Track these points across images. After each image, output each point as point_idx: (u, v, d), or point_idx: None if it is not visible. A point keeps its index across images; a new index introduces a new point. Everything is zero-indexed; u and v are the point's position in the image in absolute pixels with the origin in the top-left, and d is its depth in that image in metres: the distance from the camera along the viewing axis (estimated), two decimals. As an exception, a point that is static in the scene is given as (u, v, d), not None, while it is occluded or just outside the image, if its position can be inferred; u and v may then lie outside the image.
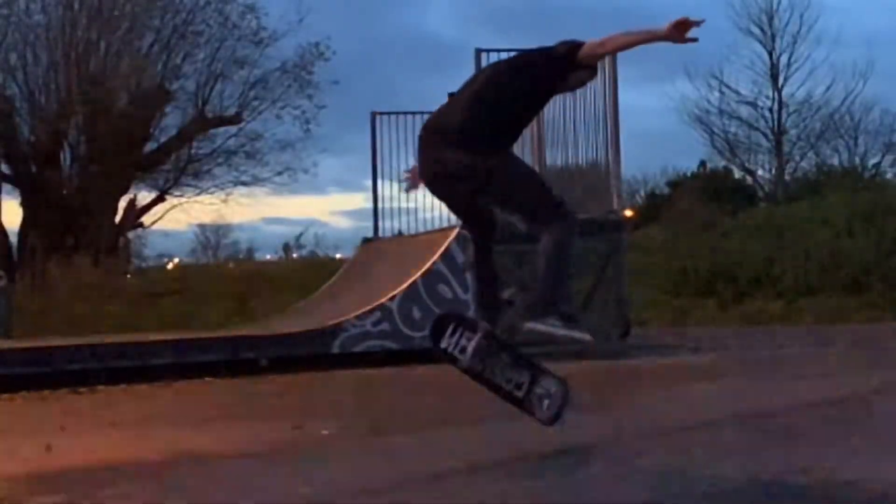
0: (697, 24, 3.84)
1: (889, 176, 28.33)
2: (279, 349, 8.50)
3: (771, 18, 28.78)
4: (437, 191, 4.37)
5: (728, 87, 28.87)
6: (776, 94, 28.92)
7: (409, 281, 9.05)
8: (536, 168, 10.68)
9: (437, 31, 47.09)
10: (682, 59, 38.76)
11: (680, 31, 3.83)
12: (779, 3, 28.63)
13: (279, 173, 22.05)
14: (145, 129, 20.61)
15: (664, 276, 16.64)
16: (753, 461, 3.90)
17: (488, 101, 4.08)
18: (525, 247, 10.50)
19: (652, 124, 38.04)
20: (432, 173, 4.19)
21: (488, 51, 9.81)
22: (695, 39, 3.82)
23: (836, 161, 29.29)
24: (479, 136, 4.03)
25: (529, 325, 4.09)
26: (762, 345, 9.76)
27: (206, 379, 7.92)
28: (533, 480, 3.74)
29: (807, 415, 5.15)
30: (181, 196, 22.17)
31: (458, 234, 9.30)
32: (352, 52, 37.94)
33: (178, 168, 21.75)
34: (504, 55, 10.03)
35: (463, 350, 4.11)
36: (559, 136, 10.22)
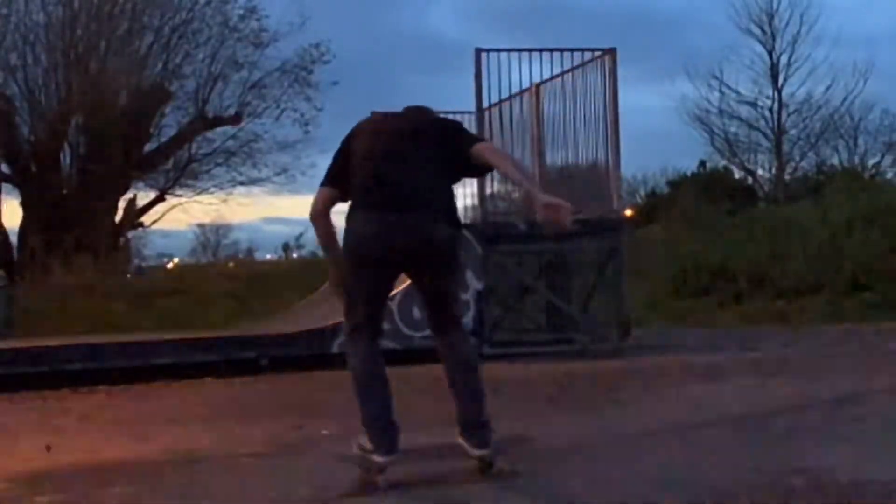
0: (566, 218, 3.64)
1: (889, 176, 28.35)
2: (279, 349, 8.51)
3: (771, 18, 28.81)
4: (382, 270, 3.87)
5: (728, 86, 28.91)
6: (776, 93, 28.94)
7: (409, 281, 9.04)
8: (536, 169, 10.70)
9: (438, 31, 47.18)
10: (682, 59, 38.83)
11: (548, 212, 3.62)
12: (779, 3, 28.66)
13: (278, 174, 22.09)
14: (145, 128, 20.62)
15: (664, 276, 16.65)
16: (754, 461, 3.90)
17: (444, 174, 3.93)
18: (524, 247, 10.57)
19: (652, 124, 38.10)
20: (409, 245, 3.79)
21: (488, 51, 9.82)
22: (565, 227, 3.67)
23: (836, 161, 29.33)
24: (454, 210, 3.96)
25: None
26: (762, 345, 9.76)
27: (206, 379, 7.93)
28: (534, 480, 3.75)
29: (807, 415, 5.15)
30: (181, 196, 22.20)
31: (458, 234, 9.29)
32: (353, 51, 37.97)
33: (177, 168, 21.76)
34: (504, 56, 10.12)
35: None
36: (559, 136, 10.22)
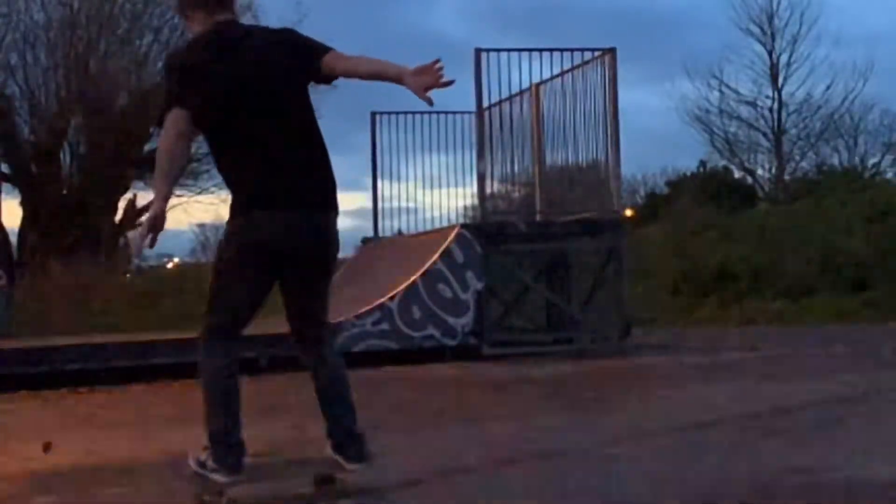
0: (445, 82, 3.32)
1: (889, 176, 28.34)
2: (279, 349, 8.48)
3: (771, 18, 28.79)
4: (272, 275, 3.53)
5: (728, 86, 28.90)
6: (776, 93, 28.93)
7: (409, 281, 9.05)
8: (537, 168, 10.71)
9: (439, 30, 47.18)
10: (682, 59, 38.85)
11: (418, 80, 3.30)
12: (779, 2, 28.67)
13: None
14: (145, 128, 20.61)
15: (664, 276, 16.65)
16: (753, 461, 3.90)
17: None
18: (524, 247, 10.57)
19: (652, 124, 38.13)
20: (308, 247, 3.46)
21: (488, 51, 9.81)
22: (430, 100, 3.33)
23: (836, 161, 29.32)
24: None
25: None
26: (762, 345, 9.76)
27: (206, 379, 7.92)
28: (532, 480, 3.74)
29: (807, 415, 5.15)
30: (181, 196, 22.18)
31: (459, 234, 9.31)
32: (356, 50, 37.92)
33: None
34: (503, 56, 10.12)
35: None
36: (559, 136, 10.23)
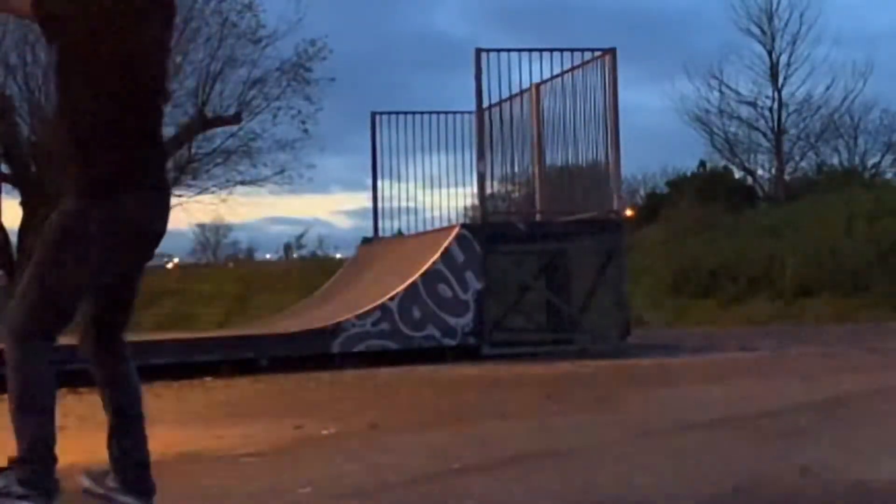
0: None
1: (889, 176, 28.40)
2: (279, 349, 8.51)
3: (771, 18, 28.84)
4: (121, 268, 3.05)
5: (728, 86, 28.95)
6: (776, 93, 28.97)
7: (409, 281, 9.06)
8: (536, 169, 10.71)
9: (442, 30, 47.31)
10: (683, 59, 38.88)
11: None
12: (778, 3, 28.70)
13: (277, 173, 22.11)
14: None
15: (664, 276, 16.66)
16: (753, 461, 3.90)
17: None
18: (524, 247, 10.58)
19: (652, 124, 38.19)
20: (156, 232, 3.07)
21: (488, 51, 9.82)
22: None
23: (836, 161, 29.36)
24: None
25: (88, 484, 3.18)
26: (762, 345, 9.77)
27: (206, 379, 7.93)
28: (532, 480, 3.74)
29: (807, 415, 5.15)
30: (181, 196, 22.18)
31: (458, 234, 9.31)
32: (360, 51, 38.07)
33: (177, 168, 21.75)
34: (504, 55, 10.12)
35: None
36: (559, 136, 10.23)
